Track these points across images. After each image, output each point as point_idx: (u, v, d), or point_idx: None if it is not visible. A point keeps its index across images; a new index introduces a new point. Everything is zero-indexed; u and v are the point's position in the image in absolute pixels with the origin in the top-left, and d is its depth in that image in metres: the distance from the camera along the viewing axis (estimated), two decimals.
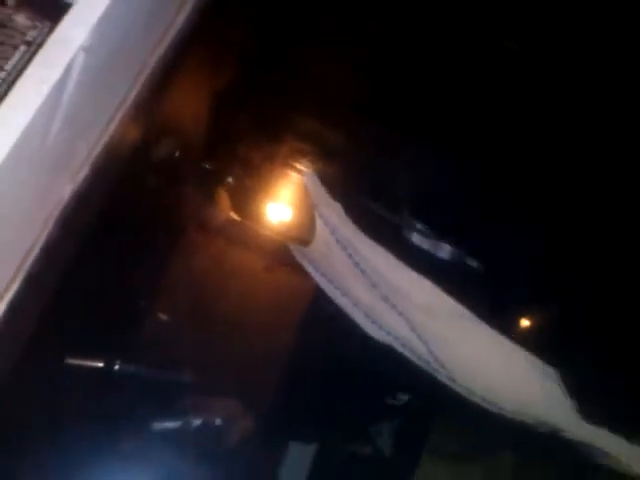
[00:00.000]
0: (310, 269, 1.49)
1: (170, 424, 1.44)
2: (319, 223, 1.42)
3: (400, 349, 1.41)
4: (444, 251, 1.39)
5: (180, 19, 1.03)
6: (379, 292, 1.39)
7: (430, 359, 1.38)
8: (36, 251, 0.82)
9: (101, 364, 1.41)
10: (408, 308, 1.38)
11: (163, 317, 1.63)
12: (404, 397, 1.54)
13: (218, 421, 1.47)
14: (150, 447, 1.43)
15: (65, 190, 0.85)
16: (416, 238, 1.39)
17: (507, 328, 1.36)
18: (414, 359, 1.41)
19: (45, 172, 0.78)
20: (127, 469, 1.36)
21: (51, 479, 1.20)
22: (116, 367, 1.42)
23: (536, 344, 1.34)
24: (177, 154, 1.35)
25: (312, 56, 1.65)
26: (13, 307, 0.80)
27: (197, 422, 1.45)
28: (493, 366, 1.37)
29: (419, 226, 1.40)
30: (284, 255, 1.54)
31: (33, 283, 0.82)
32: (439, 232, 1.39)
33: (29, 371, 0.96)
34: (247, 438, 1.48)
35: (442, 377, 1.39)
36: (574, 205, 1.43)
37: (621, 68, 1.52)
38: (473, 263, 1.39)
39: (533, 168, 1.47)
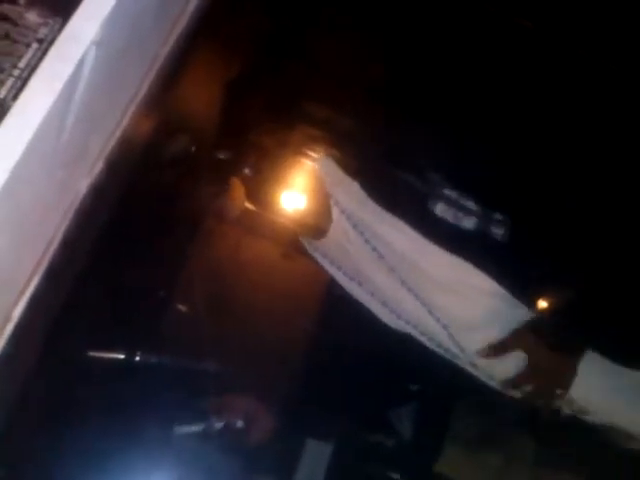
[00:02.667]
0: (324, 263, 1.48)
1: (193, 428, 1.46)
2: (335, 211, 1.41)
3: (419, 337, 1.40)
4: (469, 221, 1.36)
5: (189, 9, 1.03)
6: (397, 276, 1.38)
7: (450, 345, 1.37)
8: (55, 245, 0.83)
9: (122, 356, 1.42)
10: (427, 289, 1.36)
11: (182, 308, 1.64)
12: (423, 386, 1.54)
13: (240, 423, 1.48)
14: (173, 441, 1.44)
15: (81, 184, 0.86)
16: (440, 208, 1.36)
17: (534, 305, 1.34)
18: (433, 346, 1.40)
19: (61, 167, 0.78)
20: (149, 462, 1.37)
21: (75, 471, 1.22)
22: (137, 358, 1.44)
23: (563, 322, 1.33)
24: (191, 145, 1.35)
25: (323, 42, 1.64)
26: (34, 301, 0.81)
27: (219, 425, 1.47)
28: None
29: (443, 192, 1.36)
30: (301, 243, 1.54)
31: (53, 277, 0.83)
32: (464, 197, 1.36)
33: (51, 364, 0.97)
34: (267, 437, 1.49)
35: (463, 363, 1.38)
36: (598, 177, 1.41)
37: (635, 45, 1.51)
38: (499, 231, 1.36)
39: (549, 144, 1.45)
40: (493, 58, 1.56)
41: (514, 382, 1.34)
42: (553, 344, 1.32)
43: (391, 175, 1.39)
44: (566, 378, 1.30)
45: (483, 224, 1.36)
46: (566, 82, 1.53)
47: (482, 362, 1.37)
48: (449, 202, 1.36)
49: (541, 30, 1.57)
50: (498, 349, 1.32)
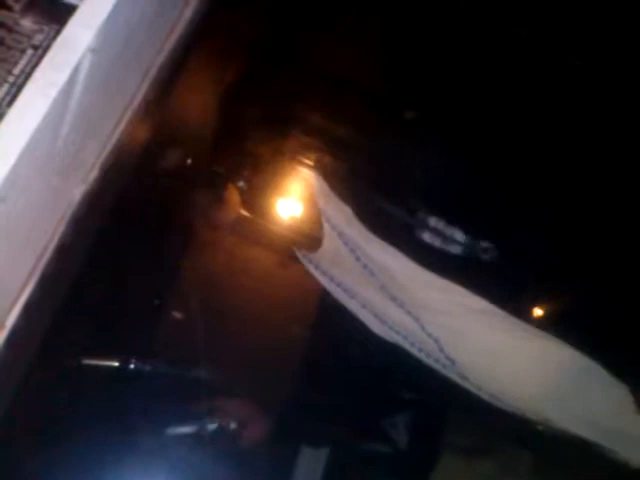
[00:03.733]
0: (317, 274, 1.49)
1: (185, 429, 1.45)
2: (327, 227, 1.42)
3: (409, 348, 1.41)
4: (456, 247, 1.38)
5: (185, 17, 1.03)
6: (388, 293, 1.39)
7: (440, 357, 1.38)
8: (49, 252, 0.83)
9: (116, 363, 1.41)
10: (417, 307, 1.38)
11: (177, 315, 1.64)
12: (415, 395, 1.54)
13: (233, 425, 1.47)
14: (167, 447, 1.44)
15: (76, 191, 0.86)
16: (427, 236, 1.39)
17: (522, 319, 1.35)
18: (423, 357, 1.40)
19: (55, 174, 0.78)
20: (144, 469, 1.37)
21: (69, 478, 1.21)
22: (131, 366, 1.43)
23: (552, 334, 1.33)
24: (186, 153, 1.35)
25: (320, 50, 1.64)
26: (28, 308, 0.81)
27: (212, 426, 1.46)
28: (505, 360, 1.36)
29: (430, 223, 1.38)
30: (295, 252, 1.54)
31: (47, 284, 0.83)
32: (450, 226, 1.38)
33: (45, 372, 0.97)
34: (262, 440, 1.49)
35: (453, 374, 1.39)
36: (588, 192, 1.42)
37: (630, 53, 1.52)
38: (486, 256, 1.38)
39: (543, 155, 1.46)
40: (488, 68, 1.57)
41: None
42: None
43: (380, 201, 1.41)
44: None
45: (470, 250, 1.38)
46: (561, 91, 1.54)
47: (472, 375, 1.37)
48: (435, 231, 1.38)
49: (536, 39, 1.57)
50: None
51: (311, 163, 1.45)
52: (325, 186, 1.43)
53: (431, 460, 1.54)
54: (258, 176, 1.50)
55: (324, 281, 1.49)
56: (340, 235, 1.41)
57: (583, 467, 1.42)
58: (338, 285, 1.47)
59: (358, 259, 1.40)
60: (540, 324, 1.33)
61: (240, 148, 1.49)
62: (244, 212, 1.52)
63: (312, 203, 1.44)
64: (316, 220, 1.44)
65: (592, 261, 1.34)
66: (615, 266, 1.34)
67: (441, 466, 1.53)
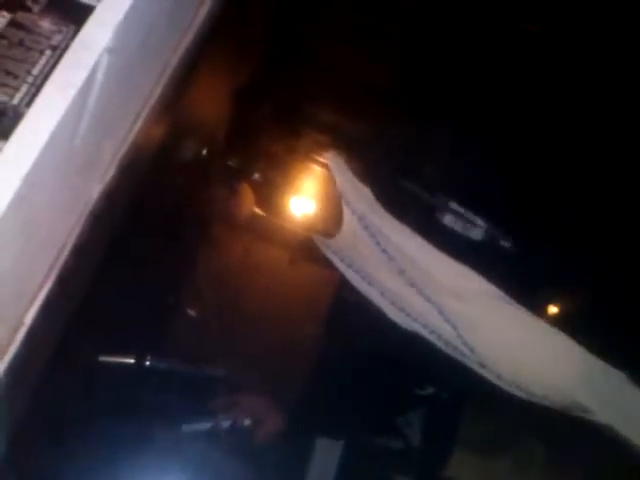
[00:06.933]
0: (335, 260, 1.48)
1: (200, 426, 1.46)
2: (346, 211, 1.41)
3: (428, 336, 1.40)
4: (477, 232, 1.37)
5: (201, 16, 1.04)
6: (407, 278, 1.38)
7: (459, 344, 1.37)
8: (67, 250, 0.84)
9: (132, 360, 1.42)
10: (436, 292, 1.37)
11: (191, 313, 1.65)
12: (432, 387, 1.54)
13: (247, 422, 1.48)
14: (182, 444, 1.45)
15: (94, 190, 0.86)
16: (448, 219, 1.37)
17: (540, 309, 1.34)
18: (442, 345, 1.40)
19: (74, 173, 0.79)
20: (159, 465, 1.38)
21: (85, 474, 1.22)
22: (147, 363, 1.44)
23: (570, 325, 1.32)
24: (203, 151, 1.36)
25: (332, 48, 1.65)
26: (46, 306, 0.81)
27: (227, 423, 1.47)
28: (524, 348, 1.36)
29: (451, 206, 1.37)
30: (309, 248, 1.54)
31: (65, 282, 0.83)
32: (472, 211, 1.37)
33: (62, 369, 0.98)
34: (276, 436, 1.49)
35: (471, 363, 1.38)
36: (605, 183, 1.41)
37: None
38: (506, 244, 1.37)
39: (558, 146, 1.45)
40: (500, 63, 1.56)
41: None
42: None
43: (400, 184, 1.39)
44: None
45: (491, 236, 1.37)
46: (573, 87, 1.54)
47: (491, 362, 1.37)
48: (457, 214, 1.37)
49: (548, 35, 1.57)
50: None
51: (326, 157, 1.44)
52: (344, 168, 1.42)
53: (444, 456, 1.54)
54: (272, 173, 1.50)
55: (342, 267, 1.47)
56: (360, 219, 1.40)
57: (598, 461, 1.42)
58: (356, 272, 1.46)
59: (378, 243, 1.39)
60: (551, 320, 1.33)
61: (254, 145, 1.49)
62: (258, 210, 1.53)
63: (330, 189, 1.44)
64: (334, 206, 1.43)
65: (614, 261, 1.33)
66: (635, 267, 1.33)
67: (454, 462, 1.53)
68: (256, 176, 1.48)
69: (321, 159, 1.45)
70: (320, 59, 1.65)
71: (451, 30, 1.60)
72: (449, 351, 1.39)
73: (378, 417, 1.57)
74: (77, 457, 1.18)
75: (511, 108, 1.53)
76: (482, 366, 1.37)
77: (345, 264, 1.47)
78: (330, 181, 1.43)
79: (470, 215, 1.36)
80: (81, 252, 0.84)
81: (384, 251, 1.39)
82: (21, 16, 0.71)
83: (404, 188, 1.38)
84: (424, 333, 1.40)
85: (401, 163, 1.41)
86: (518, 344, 1.36)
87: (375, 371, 1.47)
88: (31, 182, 0.66)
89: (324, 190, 1.45)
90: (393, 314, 1.42)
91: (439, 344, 1.39)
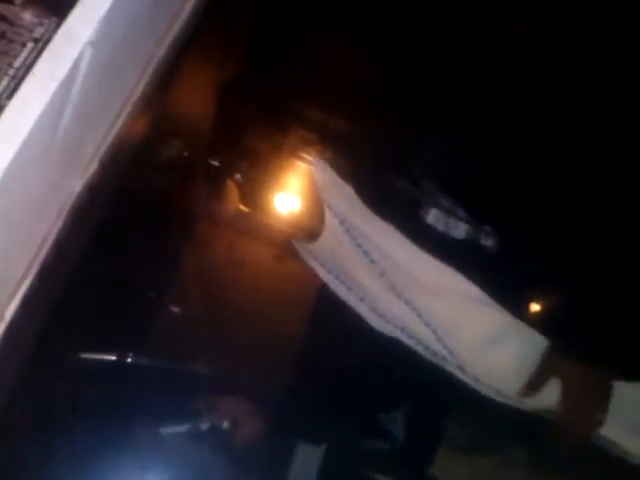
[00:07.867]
0: (316, 266, 1.48)
1: (179, 428, 1.46)
2: (328, 215, 1.41)
3: (407, 340, 1.40)
4: (459, 231, 1.37)
5: (185, 11, 1.03)
6: (387, 281, 1.38)
7: (439, 348, 1.38)
8: (48, 245, 0.83)
9: (114, 357, 1.42)
10: (416, 294, 1.37)
11: (174, 309, 1.64)
12: (414, 390, 1.54)
13: (225, 424, 1.48)
14: (163, 441, 1.44)
15: (75, 185, 0.86)
16: (431, 217, 1.37)
17: (521, 311, 1.35)
18: (421, 350, 1.40)
19: (55, 167, 0.78)
20: (140, 462, 1.37)
21: (65, 472, 1.21)
22: (129, 360, 1.43)
23: (550, 327, 1.33)
24: (185, 147, 1.35)
25: (318, 45, 1.64)
26: (27, 301, 0.81)
27: (206, 425, 1.47)
28: (504, 349, 1.36)
29: (434, 203, 1.37)
30: (294, 245, 1.54)
31: (46, 277, 0.82)
32: (454, 207, 1.37)
33: (43, 365, 0.97)
34: (255, 439, 1.49)
35: (451, 367, 1.39)
36: (591, 187, 1.42)
37: (631, 49, 1.52)
38: (489, 242, 1.37)
39: (546, 148, 1.46)
40: (491, 63, 1.57)
41: (554, 413, 1.34)
42: (587, 370, 1.31)
43: (384, 181, 1.39)
44: (602, 406, 1.30)
45: (473, 234, 1.37)
46: (564, 89, 1.54)
47: (469, 365, 1.37)
48: (441, 210, 1.36)
49: (539, 36, 1.57)
50: (534, 385, 1.31)
51: (310, 157, 1.44)
52: (327, 169, 1.42)
53: (429, 455, 1.55)
54: (256, 170, 1.49)
55: (322, 273, 1.48)
56: (342, 222, 1.40)
57: (578, 464, 1.43)
58: (336, 277, 1.46)
59: (359, 245, 1.39)
60: (530, 319, 1.33)
61: (238, 142, 1.49)
62: (242, 207, 1.52)
63: (312, 193, 1.43)
64: (316, 210, 1.43)
65: (595, 262, 1.34)
66: (618, 269, 1.34)
67: (439, 461, 1.53)
68: (239, 173, 1.48)
69: (306, 157, 1.45)
70: (307, 56, 1.65)
71: (443, 30, 1.60)
72: (428, 356, 1.39)
73: (362, 417, 1.57)
74: (57, 455, 1.17)
75: (502, 108, 1.54)
76: (462, 370, 1.37)
77: (325, 270, 1.47)
78: (312, 185, 1.43)
79: (454, 209, 1.36)
80: (62, 247, 0.83)
81: (365, 253, 1.39)
82: (3, 8, 0.70)
83: (387, 184, 1.38)
84: (404, 339, 1.40)
85: (386, 160, 1.40)
86: (496, 346, 1.36)
87: (359, 369, 1.47)
88: (11, 176, 0.65)
89: (306, 194, 1.45)
90: (372, 320, 1.42)
91: (418, 348, 1.40)
